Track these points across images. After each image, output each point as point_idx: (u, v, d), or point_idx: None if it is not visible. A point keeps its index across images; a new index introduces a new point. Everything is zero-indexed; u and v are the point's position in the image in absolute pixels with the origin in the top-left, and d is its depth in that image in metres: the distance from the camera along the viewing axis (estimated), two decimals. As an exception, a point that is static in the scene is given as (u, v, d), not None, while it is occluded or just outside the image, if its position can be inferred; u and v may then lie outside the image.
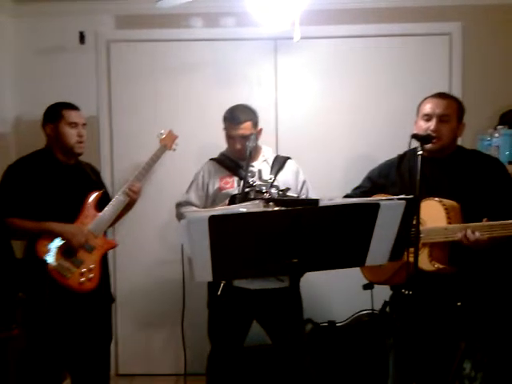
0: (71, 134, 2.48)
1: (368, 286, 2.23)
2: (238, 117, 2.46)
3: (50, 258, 2.34)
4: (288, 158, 2.61)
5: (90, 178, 2.63)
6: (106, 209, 2.53)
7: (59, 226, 2.39)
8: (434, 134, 2.07)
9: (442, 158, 2.15)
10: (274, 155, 2.63)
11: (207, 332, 2.53)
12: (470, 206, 2.02)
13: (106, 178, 3.28)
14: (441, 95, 2.17)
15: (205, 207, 2.56)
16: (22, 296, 2.53)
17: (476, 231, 1.91)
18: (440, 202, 2.01)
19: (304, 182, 2.58)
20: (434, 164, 2.11)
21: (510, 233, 1.88)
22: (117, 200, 2.56)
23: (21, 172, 2.45)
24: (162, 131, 2.80)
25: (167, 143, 2.78)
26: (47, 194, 2.43)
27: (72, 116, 2.50)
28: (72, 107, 2.54)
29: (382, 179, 2.29)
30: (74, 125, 2.49)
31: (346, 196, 2.40)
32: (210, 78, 3.29)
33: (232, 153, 2.54)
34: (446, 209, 1.99)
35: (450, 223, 1.98)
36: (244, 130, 2.45)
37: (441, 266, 1.99)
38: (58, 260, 2.35)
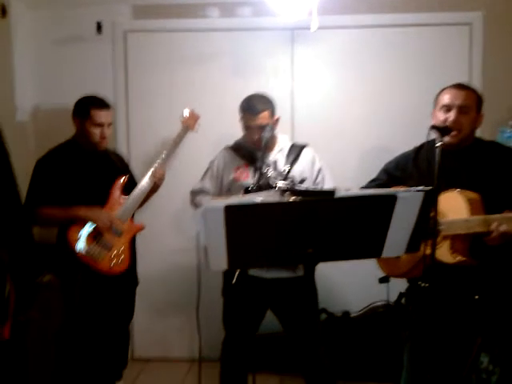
0: (95, 134, 2.54)
1: (384, 280, 2.21)
2: (255, 107, 2.43)
3: (81, 244, 2.42)
4: (304, 146, 2.57)
5: (116, 166, 2.68)
6: (132, 194, 2.60)
7: (84, 210, 2.46)
8: (453, 126, 2.05)
9: (460, 149, 2.12)
10: (290, 144, 2.59)
11: (222, 319, 2.55)
12: (489, 198, 1.99)
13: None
14: (460, 86, 2.14)
15: (219, 195, 2.56)
16: (41, 281, 2.60)
17: (503, 223, 1.87)
18: (461, 193, 1.98)
19: (320, 170, 2.53)
20: (451, 156, 2.07)
21: None
22: (142, 185, 2.62)
23: (50, 164, 2.52)
24: (184, 112, 2.78)
25: (189, 124, 2.77)
26: (76, 183, 2.50)
27: (99, 116, 2.53)
28: (101, 106, 2.56)
29: (399, 172, 2.27)
30: (99, 125, 2.53)
31: (362, 188, 2.38)
32: (226, 68, 3.28)
33: (249, 143, 2.52)
34: (468, 200, 1.95)
35: (472, 215, 1.95)
36: (262, 119, 2.42)
37: (462, 259, 1.96)
38: (89, 245, 2.43)
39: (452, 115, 2.06)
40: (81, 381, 2.60)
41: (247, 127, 2.47)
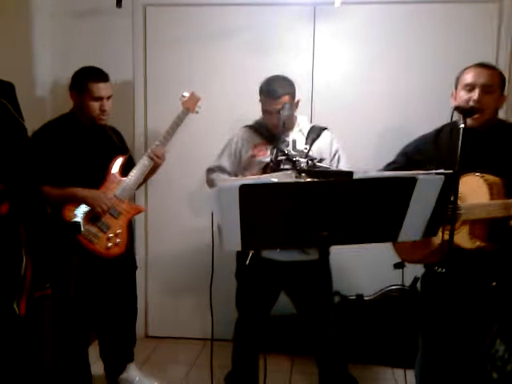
0: (94, 108, 2.47)
1: (399, 265, 2.19)
2: (275, 90, 2.37)
3: None
4: (324, 128, 2.54)
5: (114, 142, 2.62)
6: (131, 174, 2.54)
7: (82, 191, 2.39)
8: (476, 105, 1.98)
9: (482, 131, 2.05)
10: (310, 125, 2.56)
11: (235, 301, 2.56)
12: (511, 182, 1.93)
13: (140, 141, 3.32)
14: (483, 65, 2.06)
15: (236, 174, 2.54)
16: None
17: None
18: (482, 177, 1.93)
19: (336, 151, 2.51)
20: (473, 138, 2.00)
21: None
22: (141, 165, 2.57)
23: (46, 138, 2.44)
24: (185, 93, 2.74)
25: (190, 106, 2.73)
26: (73, 158, 2.44)
27: (97, 90, 2.45)
28: (99, 78, 2.48)
29: (418, 155, 2.21)
30: (98, 99, 2.46)
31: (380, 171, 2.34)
32: (246, 45, 3.22)
33: (268, 124, 2.48)
34: (488, 184, 1.90)
35: (492, 199, 1.90)
36: (281, 104, 2.37)
37: (482, 244, 1.93)
38: (85, 225, 2.38)
39: (475, 94, 1.99)
40: (87, 363, 2.62)
41: (266, 111, 2.43)
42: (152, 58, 3.32)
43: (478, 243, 1.93)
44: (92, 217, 2.40)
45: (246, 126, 2.58)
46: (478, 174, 1.94)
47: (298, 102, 2.50)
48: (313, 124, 2.58)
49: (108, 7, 3.26)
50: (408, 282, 2.90)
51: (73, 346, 2.53)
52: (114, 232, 2.44)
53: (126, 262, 2.60)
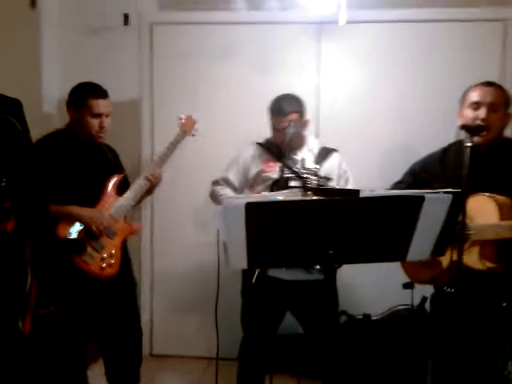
0: (93, 125, 2.43)
1: (408, 286, 2.16)
2: (284, 108, 2.38)
3: None
4: (334, 149, 2.54)
5: (110, 161, 2.59)
6: (126, 193, 2.51)
7: (78, 210, 2.35)
8: (483, 123, 1.98)
9: (488, 149, 2.04)
10: (320, 146, 2.56)
11: (240, 319, 2.54)
12: None
13: (146, 158, 3.32)
14: (489, 83, 2.07)
15: (242, 189, 2.53)
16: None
17: None
18: (491, 197, 1.91)
19: (345, 172, 2.51)
20: (479, 156, 1.98)
21: None
22: (137, 185, 2.54)
23: (41, 154, 2.35)
24: (182, 116, 2.74)
25: (186, 129, 2.73)
26: (68, 175, 2.39)
27: (97, 106, 2.43)
28: (99, 95, 2.45)
29: (425, 173, 2.21)
30: (97, 115, 2.44)
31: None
32: (252, 62, 3.24)
33: (277, 141, 2.48)
34: (498, 205, 1.89)
35: (502, 219, 1.88)
36: (289, 122, 2.36)
37: (492, 266, 1.90)
38: None
39: (482, 113, 1.99)
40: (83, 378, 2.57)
41: (275, 128, 2.44)
42: (158, 74, 3.35)
43: (488, 264, 1.90)
44: (86, 235, 2.36)
45: (257, 143, 2.58)
46: (487, 194, 1.92)
47: (306, 121, 2.51)
48: (323, 145, 2.57)
49: (115, 25, 3.31)
50: (416, 301, 2.86)
51: (66, 364, 2.45)
52: (108, 252, 2.40)
53: (120, 281, 2.54)
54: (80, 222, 2.35)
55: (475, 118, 1.99)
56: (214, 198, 2.56)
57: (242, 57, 3.25)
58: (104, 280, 2.40)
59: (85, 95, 2.44)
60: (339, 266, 2.06)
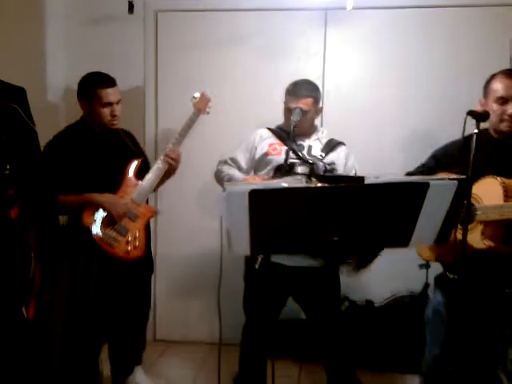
0: (105, 114, 2.46)
1: (424, 266, 2.18)
2: (300, 90, 2.39)
3: (96, 229, 2.38)
4: (342, 143, 2.53)
5: (128, 146, 2.63)
6: (146, 177, 2.55)
7: (99, 197, 2.40)
8: (508, 118, 1.98)
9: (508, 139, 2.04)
10: (329, 138, 2.54)
11: (242, 305, 2.55)
12: None
13: (150, 147, 3.32)
14: None
15: (248, 171, 2.53)
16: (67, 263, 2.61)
17: None
18: (498, 179, 1.92)
19: (353, 165, 2.50)
20: (503, 144, 2.02)
21: None
22: (156, 167, 2.57)
23: (58, 149, 2.45)
24: (195, 94, 2.74)
25: (201, 107, 2.73)
26: (87, 166, 2.44)
27: (107, 95, 2.44)
28: (107, 84, 2.46)
29: (446, 158, 2.19)
30: (108, 104, 2.46)
31: (408, 174, 2.32)
32: (257, 50, 3.22)
33: (288, 127, 2.46)
34: (504, 186, 1.89)
35: (506, 201, 1.88)
36: (303, 104, 2.37)
37: (492, 244, 1.91)
38: (104, 230, 2.38)
39: (510, 108, 1.98)
40: (97, 367, 2.61)
41: (288, 109, 2.43)
42: (163, 62, 3.34)
43: (488, 243, 1.91)
44: (110, 221, 2.41)
45: (267, 128, 2.58)
46: (495, 176, 1.93)
47: (321, 108, 2.51)
48: (331, 138, 2.55)
49: (120, 13, 3.29)
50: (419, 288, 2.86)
51: (86, 350, 2.53)
52: (132, 235, 2.45)
53: (144, 265, 2.61)
54: (102, 208, 2.40)
55: (503, 114, 1.99)
56: (219, 177, 2.55)
57: (247, 44, 3.23)
58: (129, 262, 2.44)
59: (93, 86, 2.46)
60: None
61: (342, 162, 2.48)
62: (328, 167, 2.34)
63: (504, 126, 2.00)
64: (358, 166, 2.52)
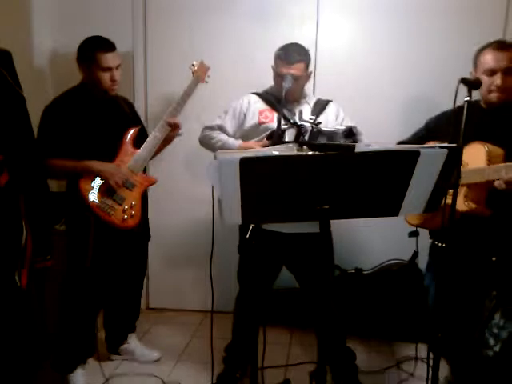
0: (105, 79, 2.44)
1: (413, 234, 2.22)
2: (292, 55, 2.35)
3: (93, 196, 2.38)
4: (329, 100, 2.52)
5: (126, 114, 2.62)
6: (143, 145, 2.54)
7: (97, 165, 2.39)
8: (500, 89, 2.01)
9: (502, 106, 2.06)
10: (315, 98, 2.54)
11: (236, 274, 2.57)
12: None
13: (140, 112, 3.26)
14: (501, 46, 2.03)
15: (236, 137, 2.51)
16: (60, 229, 2.61)
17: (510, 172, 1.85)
18: (483, 144, 1.97)
19: (343, 119, 2.48)
20: (492, 112, 2.05)
21: None
22: (154, 136, 2.56)
23: (58, 112, 2.43)
24: (194, 62, 2.72)
25: (200, 75, 2.71)
26: (86, 131, 2.43)
27: (106, 60, 2.41)
28: (107, 48, 2.44)
29: (437, 127, 2.23)
30: (107, 69, 2.43)
31: (401, 142, 2.36)
32: (248, 15, 3.15)
33: (278, 92, 2.44)
34: (487, 151, 1.94)
35: (488, 165, 1.94)
36: (295, 70, 2.34)
37: (473, 206, 1.97)
38: (101, 198, 2.38)
39: (498, 79, 2.01)
40: (94, 332, 2.65)
41: (278, 74, 2.39)
42: (152, 26, 3.26)
43: (470, 205, 1.97)
44: (107, 189, 2.41)
45: (254, 93, 2.55)
46: (482, 142, 1.97)
47: (310, 72, 2.48)
48: (318, 98, 2.54)
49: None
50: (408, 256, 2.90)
51: (82, 316, 2.55)
52: (129, 204, 2.45)
53: (140, 233, 2.63)
54: (100, 176, 2.40)
55: (491, 85, 2.02)
56: (208, 143, 2.53)
57: (239, 8, 3.16)
58: (125, 231, 2.45)
59: (93, 50, 2.42)
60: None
61: (334, 118, 2.46)
62: (315, 129, 2.32)
63: (493, 97, 2.04)
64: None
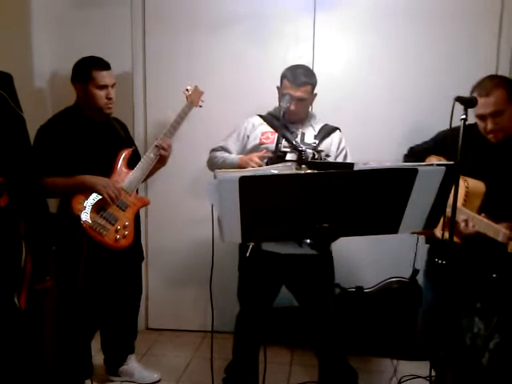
0: (100, 96, 2.46)
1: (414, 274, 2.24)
2: (299, 78, 2.37)
3: (85, 216, 2.35)
4: (337, 128, 2.53)
5: (120, 135, 2.63)
6: (137, 166, 2.54)
7: (91, 178, 2.39)
8: (493, 131, 2.05)
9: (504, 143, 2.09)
10: (323, 123, 2.54)
11: (237, 293, 2.56)
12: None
13: (139, 133, 3.30)
14: (485, 91, 2.01)
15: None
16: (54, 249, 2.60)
17: (476, 224, 1.91)
18: (465, 181, 1.99)
19: (343, 149, 2.50)
20: (495, 148, 2.09)
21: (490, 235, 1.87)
22: (148, 157, 2.56)
23: (52, 132, 2.44)
24: (188, 87, 2.76)
25: (194, 100, 2.74)
26: (79, 152, 2.43)
27: (102, 78, 2.44)
28: (102, 66, 2.47)
29: (443, 143, 2.23)
30: (103, 87, 2.45)
31: (411, 149, 2.41)
32: (246, 33, 3.18)
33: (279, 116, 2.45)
34: (466, 190, 1.98)
35: (463, 205, 1.98)
36: (302, 92, 2.37)
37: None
38: (93, 217, 2.36)
39: (489, 125, 2.04)
40: (89, 355, 2.63)
41: (283, 95, 2.39)
42: (151, 46, 3.29)
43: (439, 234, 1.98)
44: (100, 208, 2.39)
45: (258, 115, 2.57)
46: (464, 178, 1.99)
47: (315, 94, 2.50)
48: (325, 123, 2.55)
49: (107, -4, 3.24)
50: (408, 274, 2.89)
51: (77, 338, 2.53)
52: (121, 224, 2.43)
53: (132, 254, 2.61)
54: (94, 189, 2.37)
55: (485, 128, 2.06)
56: (212, 163, 2.55)
57: (236, 28, 3.19)
58: (117, 251, 2.43)
59: (89, 68, 2.45)
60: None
61: (335, 147, 2.47)
62: (317, 155, 2.34)
63: (491, 138, 2.08)
64: (351, 153, 2.52)
